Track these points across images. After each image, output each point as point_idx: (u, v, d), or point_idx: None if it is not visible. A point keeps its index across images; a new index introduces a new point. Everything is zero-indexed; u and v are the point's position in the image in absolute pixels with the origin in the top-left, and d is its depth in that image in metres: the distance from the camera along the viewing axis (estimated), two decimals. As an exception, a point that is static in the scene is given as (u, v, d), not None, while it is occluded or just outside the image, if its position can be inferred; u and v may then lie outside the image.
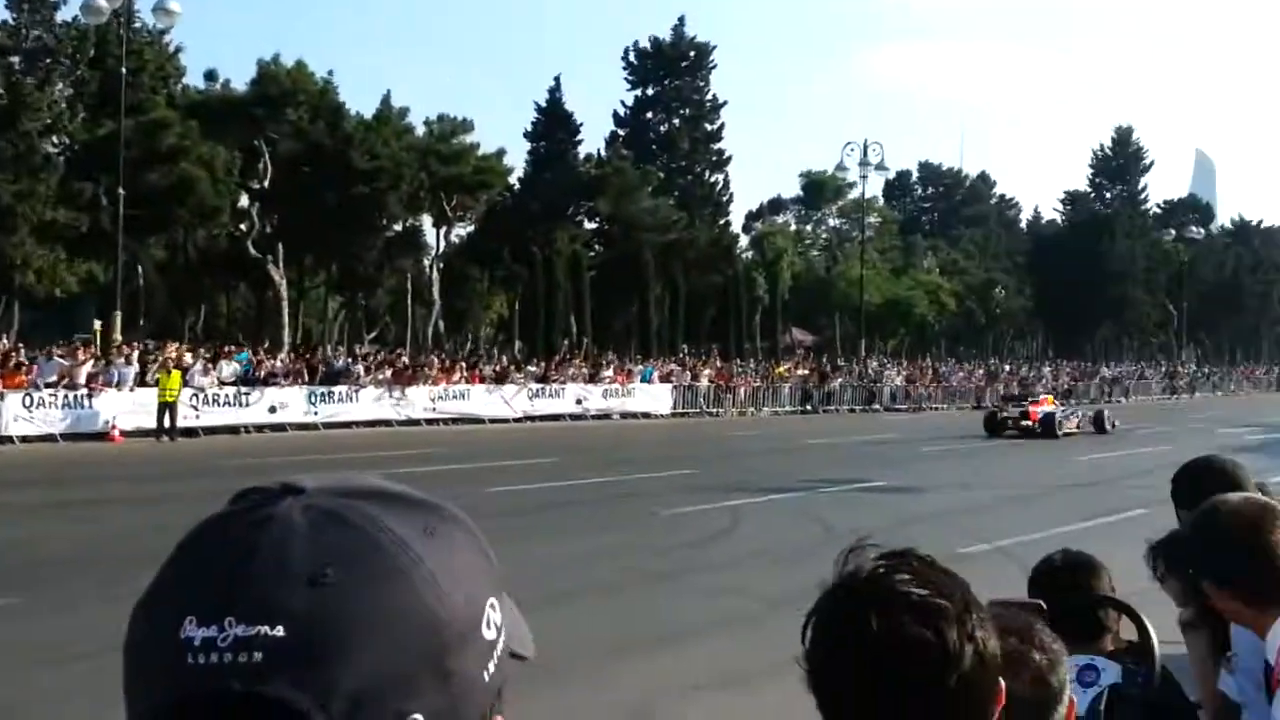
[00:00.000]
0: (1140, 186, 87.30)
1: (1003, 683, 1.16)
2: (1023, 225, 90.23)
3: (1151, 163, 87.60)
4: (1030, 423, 31.13)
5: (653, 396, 36.50)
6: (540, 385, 33.58)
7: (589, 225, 54.31)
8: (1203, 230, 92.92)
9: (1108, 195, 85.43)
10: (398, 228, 48.66)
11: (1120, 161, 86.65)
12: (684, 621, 8.21)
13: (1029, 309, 76.60)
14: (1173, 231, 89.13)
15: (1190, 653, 2.83)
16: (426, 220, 49.92)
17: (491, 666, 0.69)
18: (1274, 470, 10.83)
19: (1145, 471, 17.52)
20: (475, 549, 0.73)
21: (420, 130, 47.81)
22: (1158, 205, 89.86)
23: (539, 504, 14.87)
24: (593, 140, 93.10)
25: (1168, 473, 2.91)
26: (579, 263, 48.22)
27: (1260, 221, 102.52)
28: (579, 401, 33.91)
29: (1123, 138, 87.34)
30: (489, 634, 0.69)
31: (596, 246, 53.47)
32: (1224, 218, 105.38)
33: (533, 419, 32.12)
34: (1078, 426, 32.45)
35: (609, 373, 36.66)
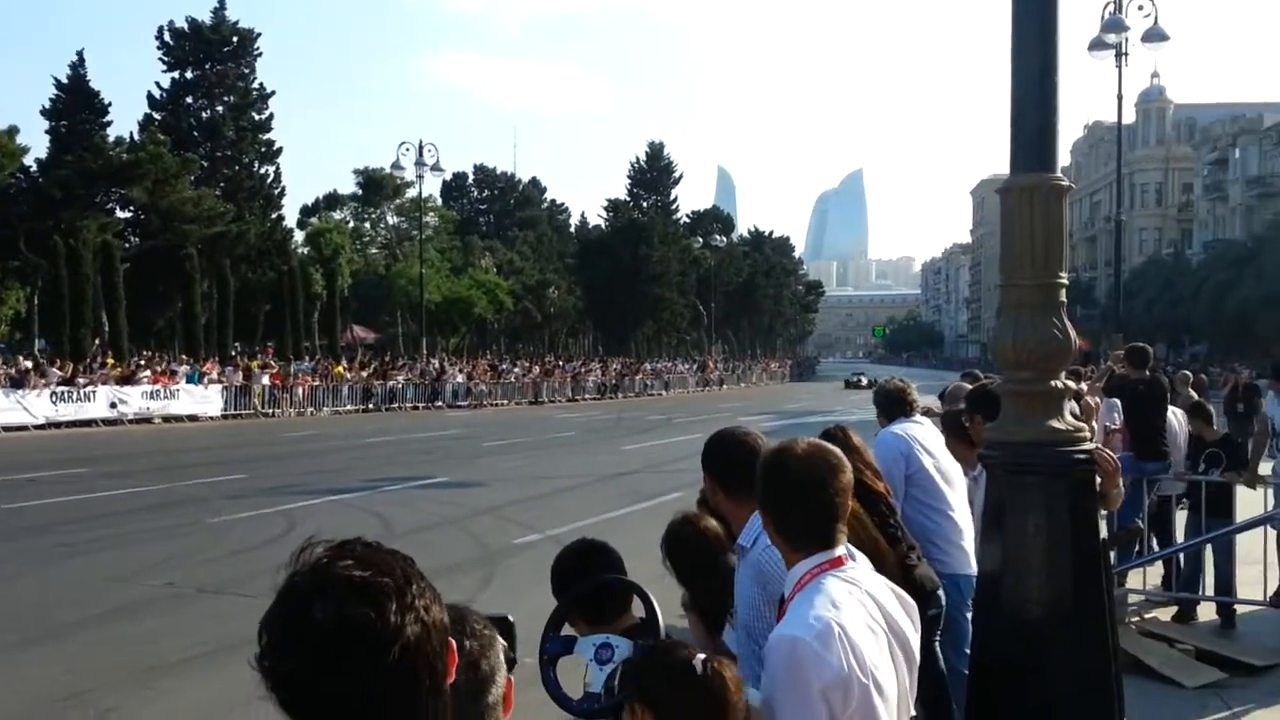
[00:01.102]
0: (672, 197, 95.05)
1: (453, 642, 1.25)
2: (572, 229, 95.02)
3: (681, 176, 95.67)
4: (865, 384, 61.73)
5: (201, 398, 34.20)
6: (66, 388, 30.31)
7: (122, 214, 49.57)
8: (725, 238, 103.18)
9: (644, 204, 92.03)
10: (-121, 210, 41.52)
11: (654, 174, 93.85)
12: (231, 635, 7.58)
13: (580, 308, 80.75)
14: (700, 239, 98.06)
15: (690, 628, 3.24)
16: (-80, 203, 43.03)
17: None
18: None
19: (682, 457, 19.21)
20: None
21: (-95, 100, 41.05)
22: (687, 215, 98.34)
23: (67, 519, 13.44)
24: (124, 123, 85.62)
25: (699, 459, 3.11)
26: (110, 254, 43.70)
27: (772, 232, 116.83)
28: (114, 405, 31.01)
29: (655, 152, 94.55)
30: None
31: (132, 238, 48.91)
32: (743, 227, 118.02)
33: (59, 425, 29.01)
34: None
35: (146, 373, 33.87)
